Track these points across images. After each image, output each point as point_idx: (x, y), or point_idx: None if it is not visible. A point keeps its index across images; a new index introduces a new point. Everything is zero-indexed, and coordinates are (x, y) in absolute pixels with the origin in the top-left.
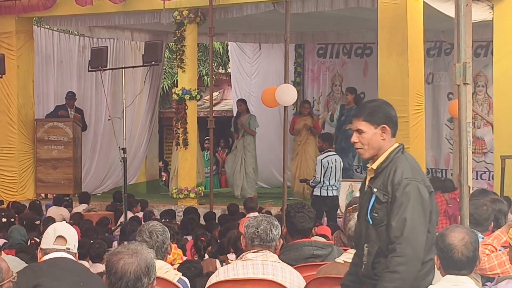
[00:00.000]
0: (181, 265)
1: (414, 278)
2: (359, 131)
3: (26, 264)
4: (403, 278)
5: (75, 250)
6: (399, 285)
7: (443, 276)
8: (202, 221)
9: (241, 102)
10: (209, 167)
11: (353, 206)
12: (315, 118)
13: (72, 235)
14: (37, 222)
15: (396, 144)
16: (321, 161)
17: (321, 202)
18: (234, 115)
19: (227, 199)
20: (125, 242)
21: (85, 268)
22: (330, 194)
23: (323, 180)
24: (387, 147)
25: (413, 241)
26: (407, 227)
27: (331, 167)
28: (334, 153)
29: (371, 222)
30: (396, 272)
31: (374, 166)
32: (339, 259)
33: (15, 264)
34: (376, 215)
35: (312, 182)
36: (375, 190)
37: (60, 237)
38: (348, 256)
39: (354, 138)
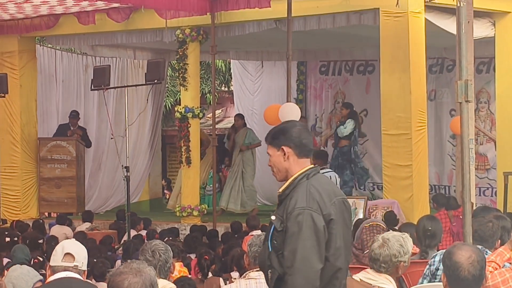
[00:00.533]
0: (175, 283)
1: None
2: (269, 155)
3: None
4: None
5: (84, 268)
6: None
7: None
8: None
9: (239, 117)
10: (212, 185)
11: (370, 223)
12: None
13: (80, 252)
14: (40, 241)
15: (306, 168)
16: None
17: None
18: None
19: (230, 217)
20: (128, 261)
21: (92, 287)
22: None
23: None
24: (295, 170)
25: (305, 271)
26: (298, 258)
27: None
28: (330, 169)
29: (270, 249)
30: None
31: (280, 190)
32: (356, 277)
33: (31, 275)
34: (275, 242)
35: None
36: (273, 218)
37: (68, 254)
38: (365, 275)
39: (269, 161)
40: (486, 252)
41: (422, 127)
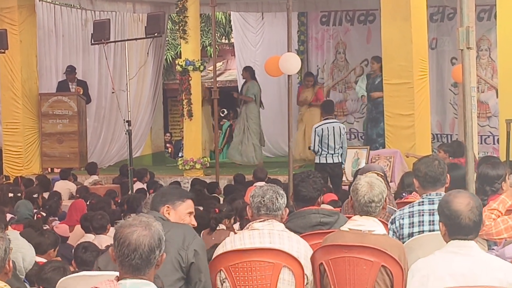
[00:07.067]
0: None
1: None
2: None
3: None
4: None
5: None
6: None
7: (445, 241)
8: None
9: (244, 70)
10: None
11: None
12: (317, 89)
13: None
14: (35, 196)
15: None
16: (315, 130)
17: (321, 169)
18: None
19: (232, 169)
20: (132, 215)
21: None
22: (330, 161)
23: (321, 148)
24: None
25: None
26: None
27: (327, 135)
28: (334, 120)
29: None
30: None
31: None
32: (344, 227)
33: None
34: None
35: (312, 151)
36: None
37: None
38: (353, 223)
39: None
40: (441, 194)
41: (424, 75)
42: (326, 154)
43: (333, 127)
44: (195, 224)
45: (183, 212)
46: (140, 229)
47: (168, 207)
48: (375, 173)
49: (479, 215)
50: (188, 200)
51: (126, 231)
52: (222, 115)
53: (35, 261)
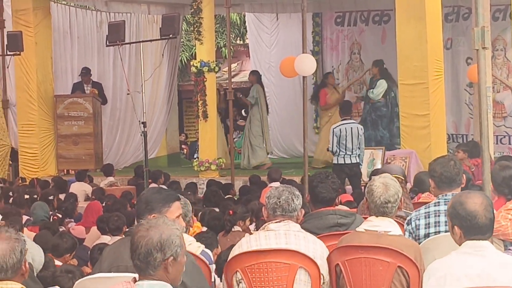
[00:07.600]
0: (198, 239)
1: None
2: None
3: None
4: None
5: None
6: None
7: (460, 244)
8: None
9: (250, 73)
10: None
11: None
12: (338, 88)
13: None
14: (51, 198)
15: None
16: (333, 130)
17: (339, 169)
18: None
19: (248, 171)
20: (156, 215)
21: None
22: (348, 161)
23: (339, 149)
24: None
25: None
26: None
27: (344, 135)
28: (351, 121)
29: None
30: None
31: None
32: (360, 228)
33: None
34: None
35: (330, 151)
36: None
37: None
38: (369, 224)
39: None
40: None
41: (439, 76)
42: (344, 155)
43: (351, 128)
44: (184, 224)
45: (171, 218)
46: (143, 230)
47: (154, 216)
48: (395, 176)
49: (492, 212)
50: (174, 204)
51: (134, 230)
52: (246, 115)
53: (53, 263)
